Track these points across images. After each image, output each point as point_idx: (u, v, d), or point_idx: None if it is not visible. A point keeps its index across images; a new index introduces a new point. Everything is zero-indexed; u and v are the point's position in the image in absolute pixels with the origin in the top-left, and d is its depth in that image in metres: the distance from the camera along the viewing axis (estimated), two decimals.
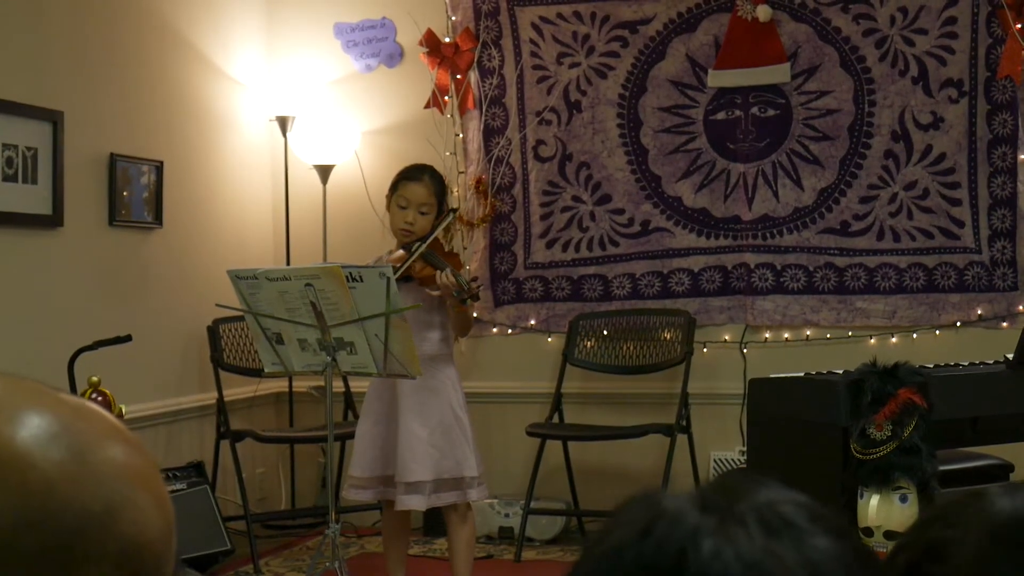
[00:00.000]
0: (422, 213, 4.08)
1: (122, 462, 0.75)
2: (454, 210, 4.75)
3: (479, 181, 5.66)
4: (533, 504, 5.19)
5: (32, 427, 0.73)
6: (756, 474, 0.76)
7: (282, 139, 5.78)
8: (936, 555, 0.98)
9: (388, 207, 4.17)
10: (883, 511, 2.85)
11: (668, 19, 5.49)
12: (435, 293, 3.97)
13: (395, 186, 4.14)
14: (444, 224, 4.19)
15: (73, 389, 4.30)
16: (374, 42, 5.84)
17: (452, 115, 5.71)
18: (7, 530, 0.69)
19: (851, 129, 5.31)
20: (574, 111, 5.61)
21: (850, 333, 5.32)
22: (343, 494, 4.30)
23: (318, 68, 5.90)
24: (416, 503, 4.01)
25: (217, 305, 4.28)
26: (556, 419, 5.39)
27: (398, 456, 4.00)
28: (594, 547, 0.73)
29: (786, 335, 5.40)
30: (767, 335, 5.41)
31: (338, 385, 5.40)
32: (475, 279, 4.06)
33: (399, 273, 3.86)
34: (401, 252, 4.07)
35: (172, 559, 0.77)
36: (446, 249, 4.39)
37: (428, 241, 4.03)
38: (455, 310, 4.05)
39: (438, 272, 3.96)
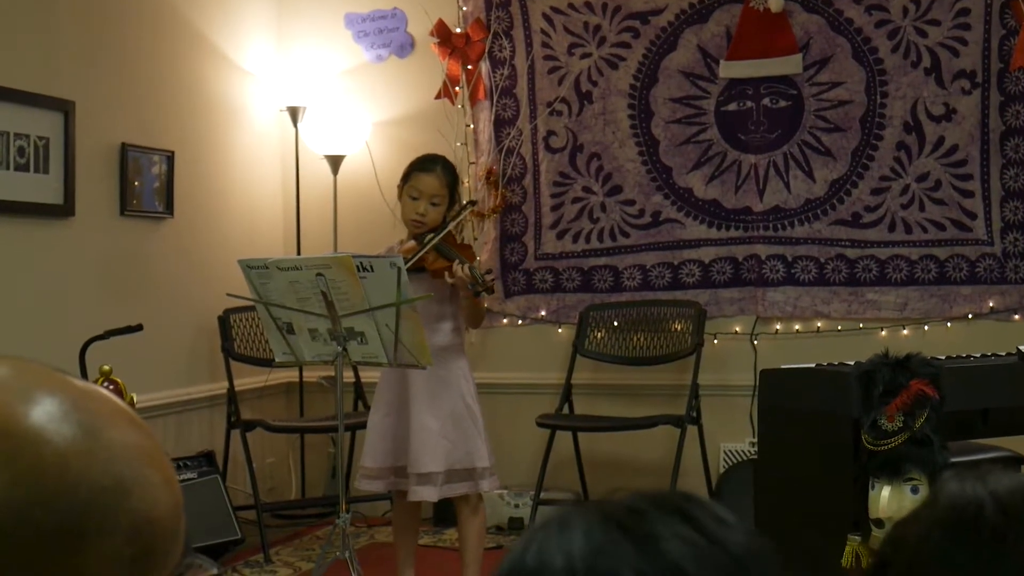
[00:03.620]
0: (433, 204, 4.07)
1: (132, 441, 0.76)
2: (472, 202, 4.74)
3: (490, 172, 5.66)
4: (543, 495, 5.19)
5: (45, 406, 0.74)
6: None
7: (293, 129, 5.78)
8: (895, 545, 1.00)
9: (400, 197, 4.17)
10: (894, 502, 2.84)
11: (680, 9, 5.48)
12: (451, 281, 3.97)
13: (407, 177, 4.14)
14: (459, 218, 4.19)
15: (84, 378, 4.27)
16: (385, 32, 5.84)
17: (463, 106, 5.71)
18: (22, 505, 0.70)
19: (863, 120, 5.29)
20: (585, 102, 5.60)
21: (861, 325, 5.31)
22: (355, 484, 4.30)
23: (329, 58, 5.89)
24: (428, 494, 4.02)
25: (228, 295, 4.28)
26: (566, 410, 5.39)
27: (410, 447, 4.00)
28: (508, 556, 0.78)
29: (797, 327, 5.39)
30: (778, 327, 5.40)
31: (348, 375, 5.41)
32: (489, 271, 4.05)
33: (410, 264, 3.86)
34: (412, 243, 4.06)
35: (181, 538, 0.78)
36: (459, 240, 4.38)
37: (441, 234, 4.03)
38: (468, 302, 4.05)
39: (452, 264, 3.95)
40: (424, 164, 4.14)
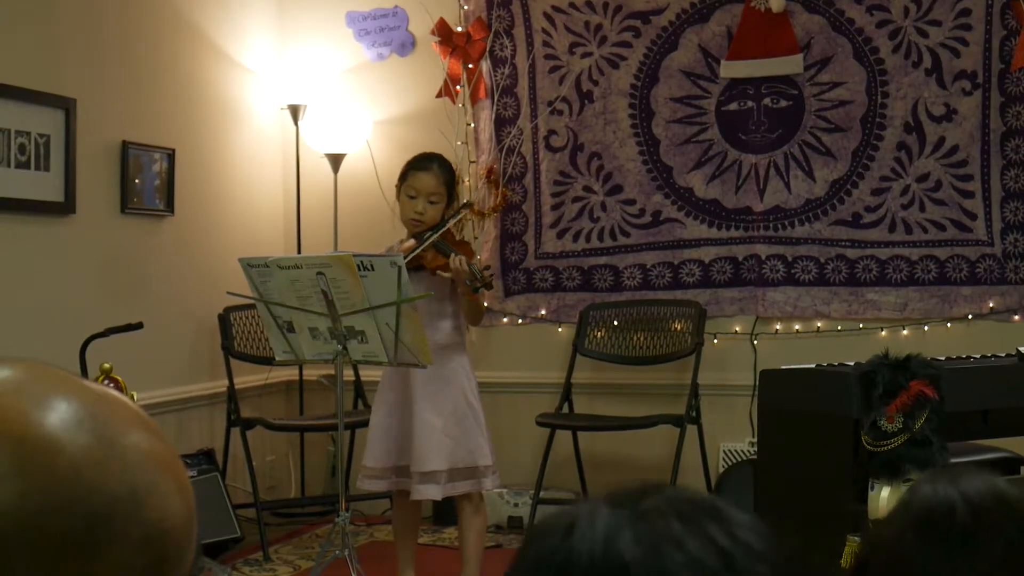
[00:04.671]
0: (431, 203, 4.08)
1: (146, 448, 0.76)
2: (469, 204, 4.74)
3: (490, 171, 5.66)
4: (542, 494, 5.19)
5: (60, 412, 0.73)
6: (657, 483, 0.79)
7: (294, 128, 5.78)
8: (873, 545, 1.03)
9: (398, 197, 4.17)
10: (894, 503, 2.85)
11: (680, 9, 5.48)
12: (446, 275, 3.97)
13: (404, 176, 4.14)
14: (456, 218, 4.19)
15: (85, 376, 4.29)
16: (386, 31, 5.84)
17: (464, 104, 5.71)
18: (33, 514, 0.69)
19: (864, 120, 5.29)
20: (586, 101, 5.60)
21: (861, 325, 5.31)
22: (357, 484, 4.30)
23: (330, 57, 5.89)
24: (432, 493, 4.02)
25: (228, 293, 4.28)
26: (566, 409, 5.39)
27: (413, 446, 4.00)
28: (521, 558, 0.75)
29: (797, 327, 5.39)
30: (778, 327, 5.40)
31: (348, 374, 5.41)
32: (488, 267, 4.05)
33: (408, 257, 3.87)
34: (412, 242, 4.07)
35: (193, 546, 0.77)
36: (458, 238, 4.38)
37: (440, 232, 4.03)
38: (467, 299, 4.05)
39: (450, 259, 3.95)
40: (421, 163, 4.14)
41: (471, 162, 5.68)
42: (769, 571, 0.71)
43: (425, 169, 4.10)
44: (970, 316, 5.19)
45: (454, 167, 4.32)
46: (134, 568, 0.73)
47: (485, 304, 4.58)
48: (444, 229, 4.05)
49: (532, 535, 0.77)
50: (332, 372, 4.14)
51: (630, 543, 0.71)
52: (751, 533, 0.73)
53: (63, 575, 0.70)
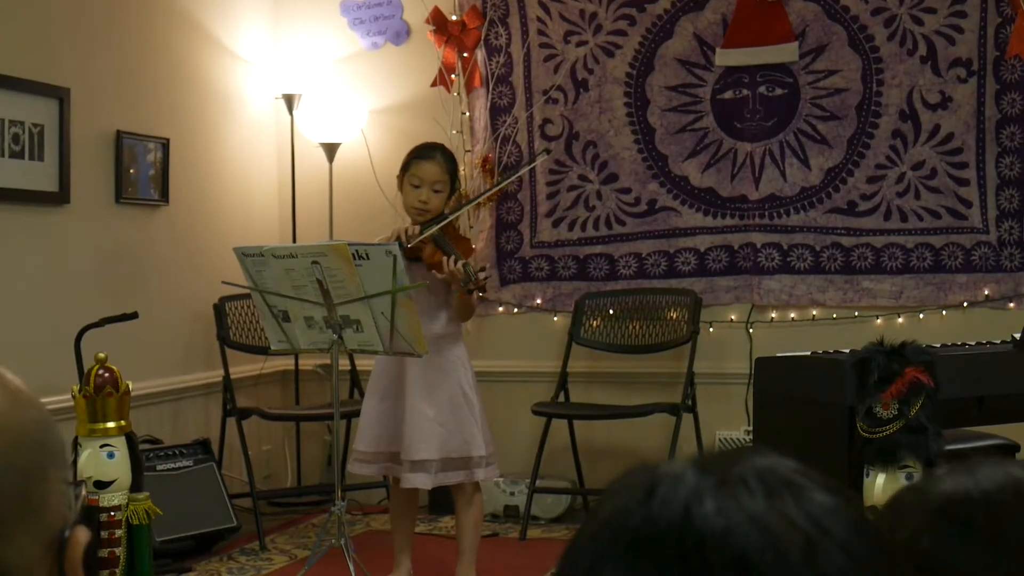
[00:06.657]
0: (435, 191, 4.08)
1: (20, 387, 0.91)
2: (546, 151, 4.82)
3: (486, 160, 5.66)
4: (538, 483, 5.19)
5: None
6: (752, 447, 0.76)
7: (288, 117, 5.77)
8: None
9: (400, 187, 4.17)
10: (889, 490, 2.85)
11: None
12: (441, 277, 3.96)
13: (407, 165, 4.14)
14: (531, 166, 4.18)
15: (80, 365, 4.31)
16: (381, 20, 5.83)
17: (459, 93, 5.70)
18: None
19: (859, 108, 5.29)
20: (581, 90, 5.60)
21: (856, 313, 5.32)
22: (348, 467, 4.31)
23: (325, 46, 5.88)
24: (421, 481, 4.02)
25: (223, 283, 4.28)
26: (562, 398, 5.40)
27: (404, 434, 4.01)
28: (597, 513, 0.73)
29: (792, 315, 5.39)
30: (773, 315, 5.41)
31: (344, 363, 5.40)
32: (483, 269, 4.01)
33: (410, 238, 3.88)
34: (416, 228, 4.07)
35: None
36: (458, 232, 4.38)
37: (443, 222, 4.04)
38: (457, 297, 4.04)
39: (446, 259, 3.93)
40: (424, 152, 4.15)
41: (466, 151, 5.67)
42: (848, 562, 0.69)
43: (429, 158, 4.10)
44: (965, 304, 5.19)
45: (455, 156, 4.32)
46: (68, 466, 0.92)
47: (478, 299, 4.57)
48: (446, 222, 4.05)
49: (611, 490, 0.74)
50: (328, 361, 4.14)
51: (710, 515, 0.69)
52: (836, 519, 0.71)
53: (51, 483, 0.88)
